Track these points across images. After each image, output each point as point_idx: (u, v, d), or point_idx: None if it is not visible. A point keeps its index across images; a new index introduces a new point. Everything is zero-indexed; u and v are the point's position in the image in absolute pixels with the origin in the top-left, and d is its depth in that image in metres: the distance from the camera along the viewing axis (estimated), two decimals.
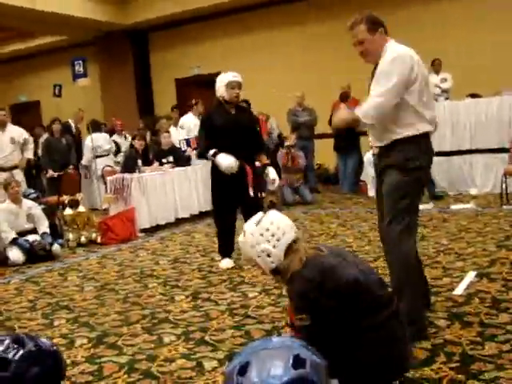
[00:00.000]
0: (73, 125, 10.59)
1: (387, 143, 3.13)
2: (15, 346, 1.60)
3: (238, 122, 5.09)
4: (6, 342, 1.61)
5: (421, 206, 3.45)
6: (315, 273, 2.32)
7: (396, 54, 3.04)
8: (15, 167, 7.80)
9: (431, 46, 9.80)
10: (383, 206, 3.22)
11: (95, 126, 9.65)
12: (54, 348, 1.72)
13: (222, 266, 5.17)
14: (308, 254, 2.43)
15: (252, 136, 5.19)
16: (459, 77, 9.14)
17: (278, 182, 5.38)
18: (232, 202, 5.14)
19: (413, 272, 3.15)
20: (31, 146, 8.29)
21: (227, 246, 5.26)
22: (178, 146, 8.60)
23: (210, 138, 5.07)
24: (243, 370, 0.97)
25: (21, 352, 1.59)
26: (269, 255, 2.44)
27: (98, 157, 9.55)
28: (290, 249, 2.44)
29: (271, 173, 5.26)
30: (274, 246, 2.43)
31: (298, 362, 0.95)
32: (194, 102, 9.25)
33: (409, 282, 3.09)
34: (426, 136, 3.14)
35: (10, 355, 1.58)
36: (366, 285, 2.36)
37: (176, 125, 9.56)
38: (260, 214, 2.56)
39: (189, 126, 9.08)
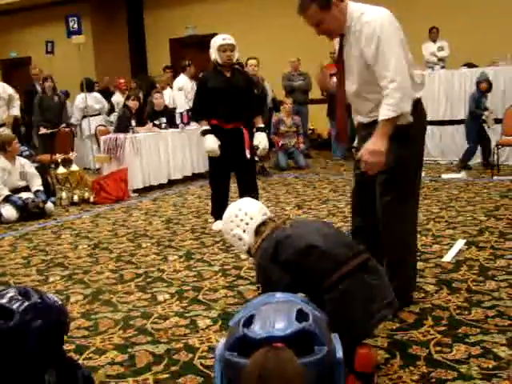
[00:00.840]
0: (38, 86, 10.06)
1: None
2: (20, 298, 1.63)
3: (233, 85, 5.05)
4: (11, 293, 1.64)
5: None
6: (270, 244, 2.46)
7: (376, 16, 2.72)
8: (2, 124, 7.67)
9: (428, 13, 9.75)
10: (363, 177, 2.97)
11: (88, 85, 9.54)
12: (60, 303, 1.75)
13: (214, 227, 5.22)
14: (272, 229, 2.56)
15: (248, 98, 5.17)
16: (456, 45, 9.10)
17: (266, 149, 5.31)
18: (227, 165, 5.16)
19: (413, 253, 3.10)
20: (17, 102, 8.01)
21: (220, 208, 5.29)
22: (171, 106, 8.55)
23: (206, 102, 5.06)
24: (248, 322, 1.01)
25: (25, 304, 1.62)
26: (240, 239, 2.62)
27: (87, 116, 9.44)
28: (258, 231, 2.59)
29: (261, 140, 5.20)
30: (243, 231, 2.60)
31: (301, 316, 0.99)
32: (186, 62, 9.12)
33: (407, 262, 3.02)
34: (420, 102, 2.95)
35: (15, 306, 1.60)
36: (325, 248, 2.34)
37: (169, 85, 9.47)
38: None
39: (186, 87, 8.94)
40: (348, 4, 2.80)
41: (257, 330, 0.99)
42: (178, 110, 8.48)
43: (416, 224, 3.17)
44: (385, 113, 2.66)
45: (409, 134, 2.81)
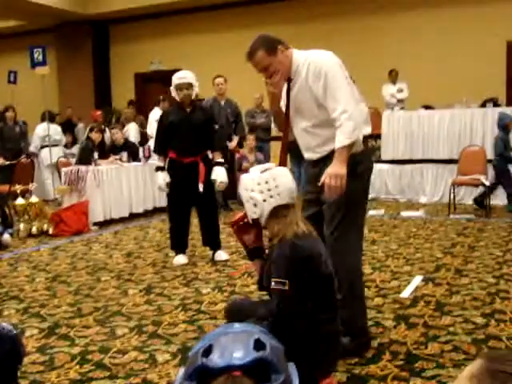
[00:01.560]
0: None
1: (331, 150, 2.85)
2: None
3: (191, 120, 5.19)
4: None
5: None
6: (307, 250, 2.37)
7: (321, 56, 2.90)
8: None
9: (388, 56, 10.11)
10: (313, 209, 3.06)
11: (50, 117, 9.50)
12: (14, 332, 1.71)
13: (175, 262, 5.20)
14: (301, 228, 2.42)
15: (206, 134, 5.24)
16: (414, 88, 9.43)
17: (224, 183, 5.32)
18: (184, 198, 5.20)
19: (359, 284, 3.12)
20: None
21: (179, 241, 5.30)
22: (136, 140, 8.56)
23: (165, 136, 5.21)
24: (207, 352, 1.02)
25: None
26: (255, 205, 2.44)
27: (48, 146, 9.36)
28: (278, 211, 2.43)
29: (219, 174, 5.24)
30: (263, 200, 2.42)
31: (258, 345, 1.01)
32: (161, 97, 9.20)
33: (354, 293, 3.03)
34: (368, 138, 3.05)
35: None
36: (333, 285, 2.48)
37: (134, 120, 9.51)
38: (270, 164, 2.59)
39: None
40: (293, 51, 2.96)
41: (215, 359, 1.00)
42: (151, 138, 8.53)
43: (360, 256, 3.22)
44: (341, 140, 2.75)
45: (357, 170, 2.89)
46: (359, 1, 10.79)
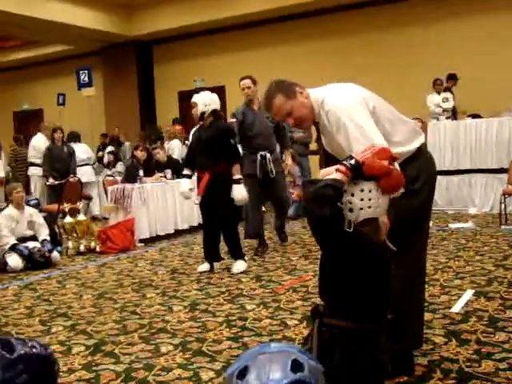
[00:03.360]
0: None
1: None
2: (2, 352, 1.56)
3: (201, 137, 5.46)
4: None
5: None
6: None
7: (336, 102, 2.65)
8: None
9: (433, 65, 9.92)
10: None
11: (75, 137, 9.75)
12: (47, 351, 1.68)
13: (199, 268, 5.56)
14: None
15: (216, 149, 5.35)
16: (461, 97, 9.23)
17: (243, 200, 5.48)
18: (204, 211, 5.57)
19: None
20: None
21: (208, 252, 5.67)
22: (177, 157, 8.68)
23: (191, 151, 5.71)
24: (242, 373, 0.99)
25: (6, 359, 1.54)
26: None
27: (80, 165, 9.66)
28: None
29: (235, 194, 5.37)
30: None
31: (296, 366, 0.97)
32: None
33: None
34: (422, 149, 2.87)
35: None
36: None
37: (178, 137, 9.65)
38: None
39: None
40: (310, 92, 2.76)
41: (251, 381, 0.97)
42: None
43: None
44: None
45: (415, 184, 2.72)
46: (403, 12, 10.67)
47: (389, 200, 2.23)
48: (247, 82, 6.25)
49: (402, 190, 2.39)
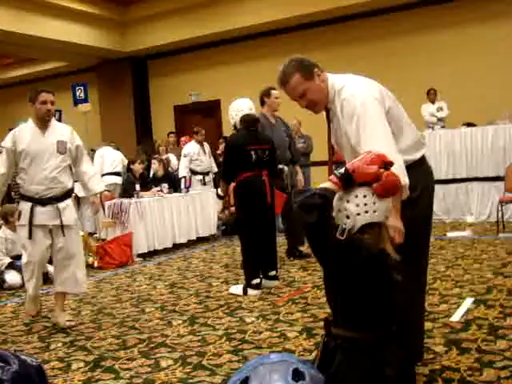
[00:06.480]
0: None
1: None
2: (2, 365, 1.56)
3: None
4: None
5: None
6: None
7: (356, 92, 2.60)
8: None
9: (426, 74, 9.99)
10: None
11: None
12: (37, 362, 1.68)
13: (231, 290, 5.23)
14: None
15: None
16: (454, 106, 9.28)
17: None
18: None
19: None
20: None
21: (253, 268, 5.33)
22: (175, 171, 8.69)
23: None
24: None
25: (11, 370, 1.55)
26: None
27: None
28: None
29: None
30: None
31: (297, 375, 0.97)
32: (195, 129, 9.25)
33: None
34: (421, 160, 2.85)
35: (2, 375, 1.54)
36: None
37: (173, 150, 9.65)
38: None
39: (194, 152, 9.01)
40: (328, 76, 2.71)
41: None
42: (179, 175, 8.65)
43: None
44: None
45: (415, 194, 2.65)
46: (403, 20, 10.72)
47: (389, 203, 2.24)
48: (279, 93, 5.97)
49: (405, 194, 2.43)
